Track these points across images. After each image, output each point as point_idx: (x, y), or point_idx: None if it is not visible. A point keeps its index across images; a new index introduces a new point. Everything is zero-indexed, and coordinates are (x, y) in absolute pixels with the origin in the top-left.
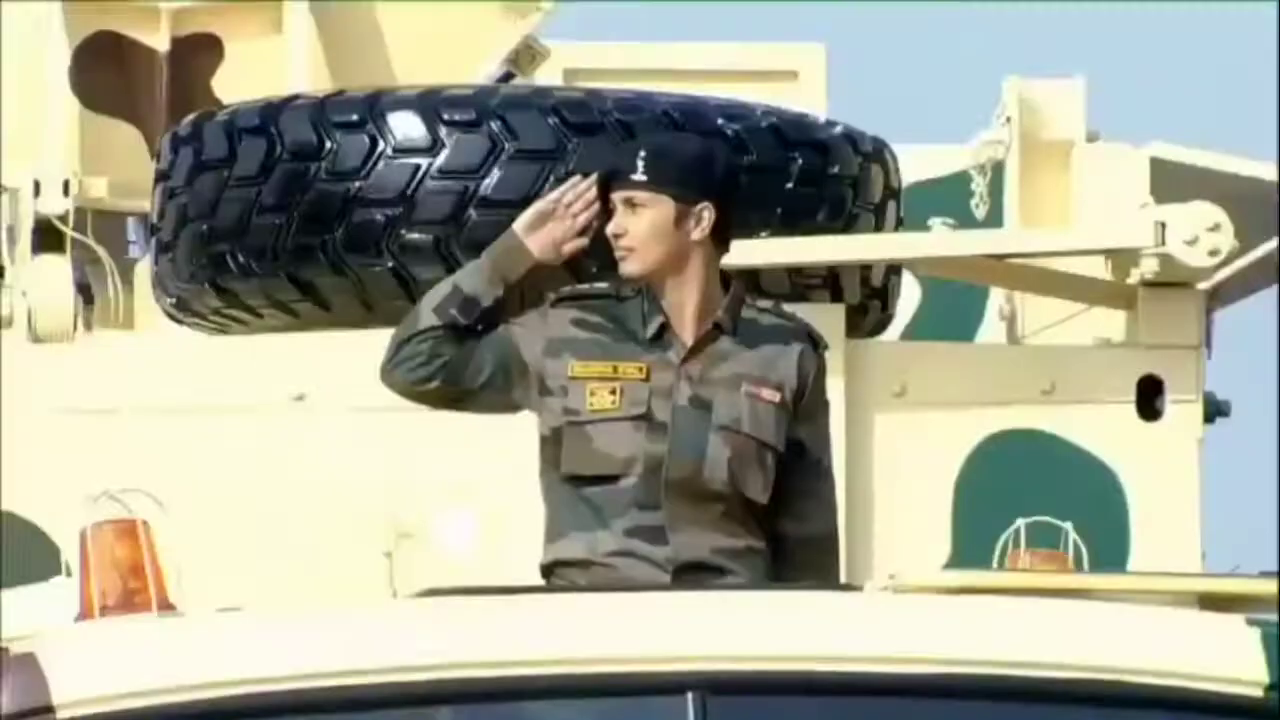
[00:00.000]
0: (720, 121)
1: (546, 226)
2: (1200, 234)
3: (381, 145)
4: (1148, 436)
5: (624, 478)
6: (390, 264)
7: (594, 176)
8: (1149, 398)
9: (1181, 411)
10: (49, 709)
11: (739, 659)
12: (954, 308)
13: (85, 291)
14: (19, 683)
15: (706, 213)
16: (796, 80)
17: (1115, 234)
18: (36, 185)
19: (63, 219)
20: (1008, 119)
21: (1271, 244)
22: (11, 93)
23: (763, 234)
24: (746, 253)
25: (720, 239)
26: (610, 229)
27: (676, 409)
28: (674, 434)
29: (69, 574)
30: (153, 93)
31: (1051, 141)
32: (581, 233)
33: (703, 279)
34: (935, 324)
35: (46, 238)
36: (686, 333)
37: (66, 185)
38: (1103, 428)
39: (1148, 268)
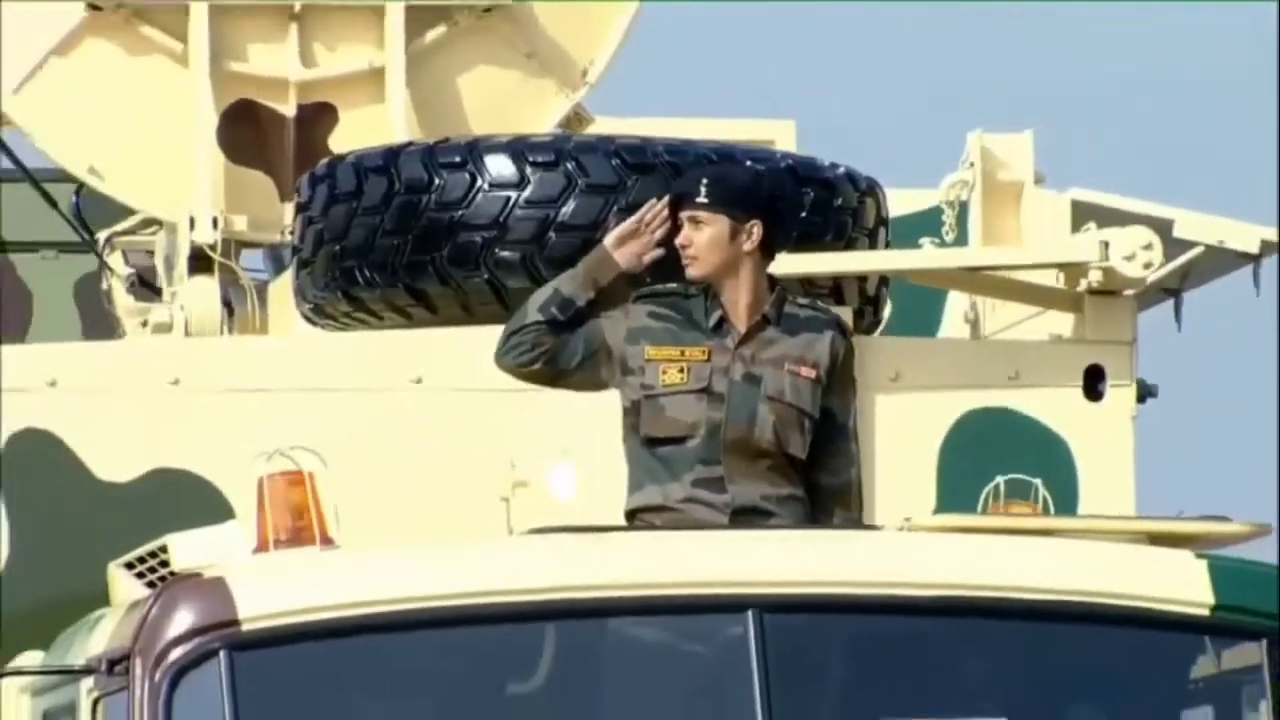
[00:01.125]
0: (748, 163)
1: (630, 242)
2: (1136, 251)
3: (479, 181)
4: (1092, 414)
5: (690, 439)
6: (486, 276)
7: (666, 200)
8: (1093, 383)
9: (1118, 394)
10: (236, 622)
11: (788, 584)
12: (917, 313)
13: (228, 306)
14: (211, 602)
15: (755, 228)
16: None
17: (1067, 250)
18: (191, 221)
19: (212, 248)
20: (971, 164)
21: (1184, 259)
22: (164, 149)
23: (782, 252)
24: (771, 267)
25: (766, 249)
26: (679, 241)
27: (732, 383)
28: (730, 403)
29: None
30: (282, 148)
31: (1006, 183)
32: (658, 246)
33: (753, 281)
34: (903, 326)
35: (199, 263)
36: (740, 323)
37: (215, 221)
38: (1056, 406)
39: (1093, 278)
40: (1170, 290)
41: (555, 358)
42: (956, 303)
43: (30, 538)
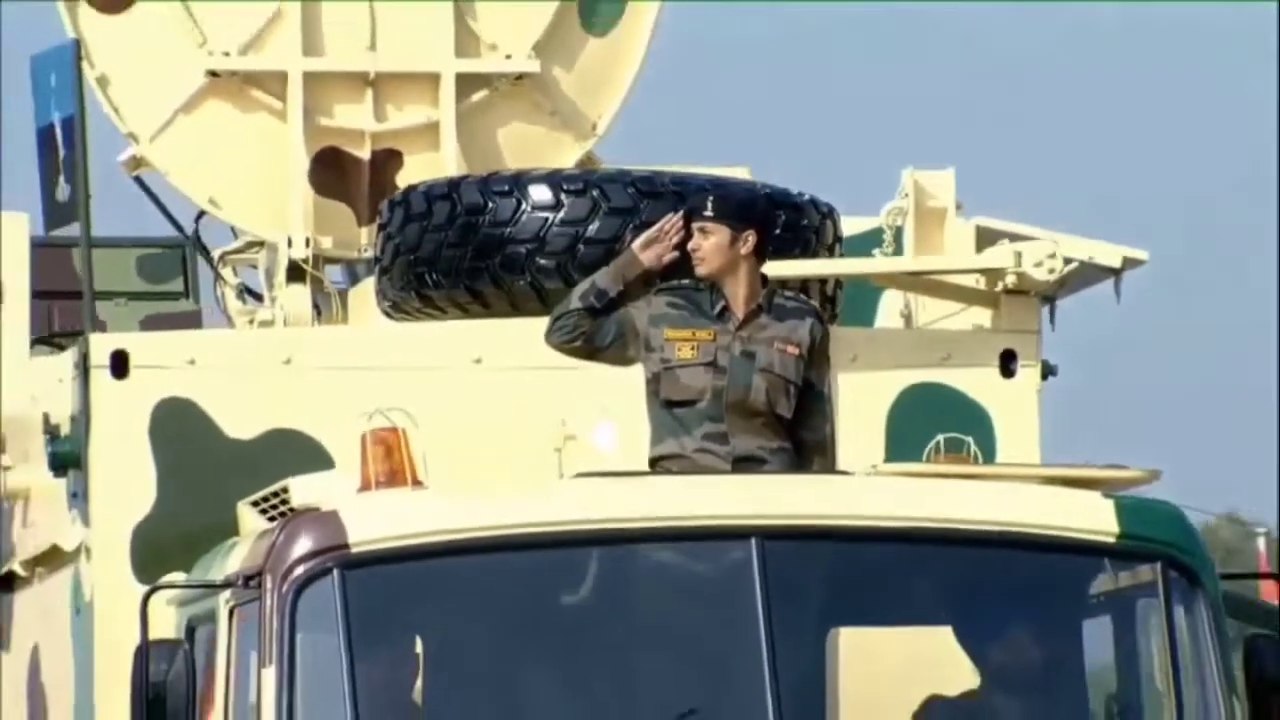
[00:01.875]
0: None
1: (653, 246)
2: (1043, 259)
3: (524, 205)
4: (1006, 388)
5: (699, 402)
6: (529, 280)
7: (680, 214)
8: (1007, 363)
9: (1027, 372)
10: (347, 546)
11: (783, 516)
12: (856, 309)
13: (316, 308)
14: (327, 530)
15: (750, 236)
16: None
17: (989, 259)
18: (289, 241)
19: (304, 262)
20: (905, 195)
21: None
22: (267, 185)
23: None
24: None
25: (759, 253)
26: (690, 246)
27: (732, 358)
28: (731, 374)
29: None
30: (359, 185)
31: (933, 209)
32: (674, 250)
33: (749, 278)
34: (845, 319)
35: (294, 274)
36: (739, 311)
37: (307, 241)
38: (978, 382)
39: (1008, 281)
40: (1048, 297)
41: (592, 338)
42: (889, 301)
43: (173, 483)
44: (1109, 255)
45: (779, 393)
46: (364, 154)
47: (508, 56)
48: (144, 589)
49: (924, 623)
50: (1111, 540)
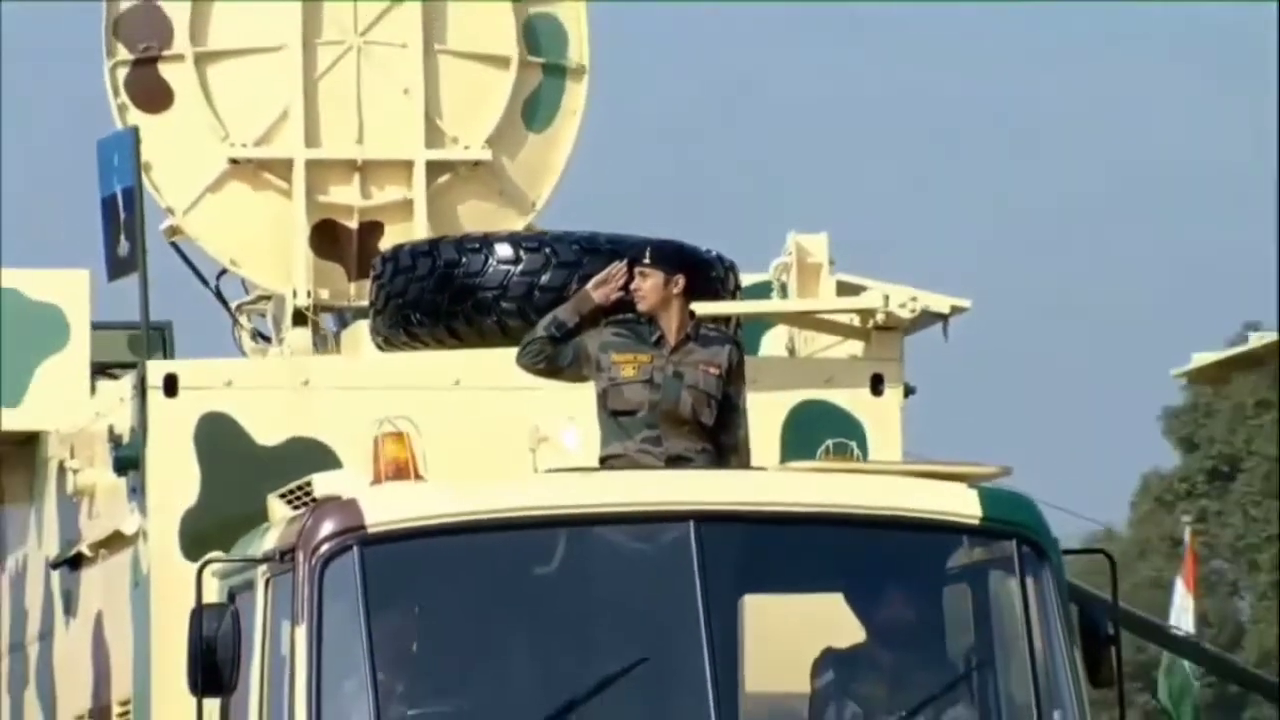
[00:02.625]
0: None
1: (603, 287)
2: (906, 302)
3: (491, 260)
4: (876, 405)
5: (639, 412)
6: (495, 319)
7: (624, 261)
8: (876, 385)
9: (892, 392)
10: (364, 527)
11: (715, 503)
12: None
13: (315, 347)
14: (348, 514)
15: (680, 280)
16: None
17: (864, 300)
18: (294, 292)
19: (307, 309)
20: (790, 253)
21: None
22: (276, 249)
23: None
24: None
25: (687, 293)
26: (632, 287)
27: (666, 377)
28: (664, 390)
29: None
30: (349, 249)
31: (811, 264)
32: (620, 289)
33: (679, 313)
34: None
35: (297, 319)
36: (671, 339)
37: (309, 293)
38: (854, 400)
39: (878, 319)
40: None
41: (554, 360)
42: (772, 337)
43: (213, 480)
44: (939, 304)
45: (703, 405)
46: (353, 224)
47: (466, 148)
48: (191, 566)
49: (824, 589)
50: (975, 522)
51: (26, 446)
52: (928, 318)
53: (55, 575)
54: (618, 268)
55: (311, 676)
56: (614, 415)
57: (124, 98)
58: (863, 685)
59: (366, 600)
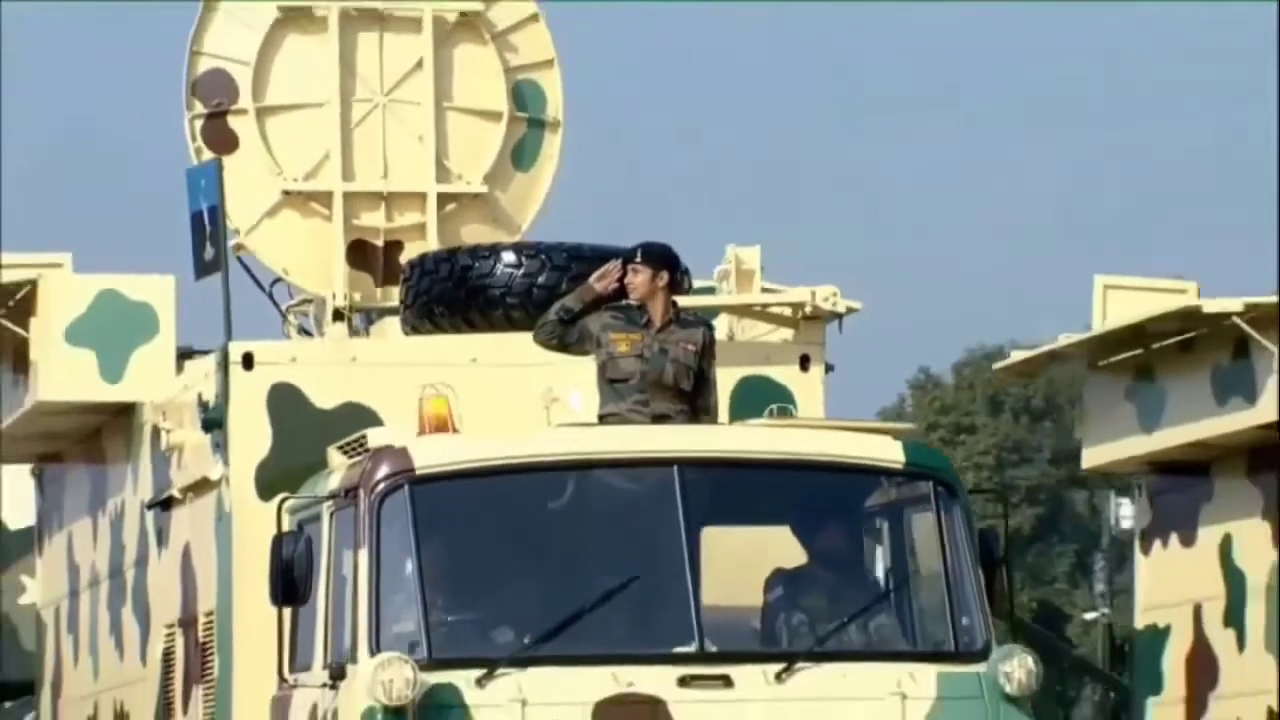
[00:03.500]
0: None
1: (602, 280)
2: (830, 297)
3: (498, 265)
4: (804, 379)
5: (631, 380)
6: (502, 312)
7: (619, 260)
8: (805, 364)
9: (816, 370)
10: (413, 469)
11: (694, 451)
12: None
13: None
14: (400, 459)
15: (664, 274)
16: None
17: (793, 295)
18: (334, 295)
19: (343, 309)
20: (729, 262)
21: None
22: (319, 261)
23: None
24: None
25: (670, 287)
26: (626, 280)
27: (653, 353)
28: (651, 362)
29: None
30: (377, 262)
31: (748, 271)
32: (616, 282)
33: (664, 301)
34: None
35: (336, 317)
36: (658, 322)
37: (345, 296)
38: (787, 375)
39: (806, 310)
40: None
41: (564, 338)
42: (718, 325)
43: (282, 436)
44: (839, 304)
45: (683, 375)
46: (379, 243)
47: (468, 183)
48: (264, 505)
49: (777, 522)
50: (900, 466)
51: (123, 415)
52: (831, 315)
53: (149, 515)
54: (615, 265)
55: (371, 591)
56: (611, 382)
57: (199, 143)
58: (807, 598)
59: (416, 528)
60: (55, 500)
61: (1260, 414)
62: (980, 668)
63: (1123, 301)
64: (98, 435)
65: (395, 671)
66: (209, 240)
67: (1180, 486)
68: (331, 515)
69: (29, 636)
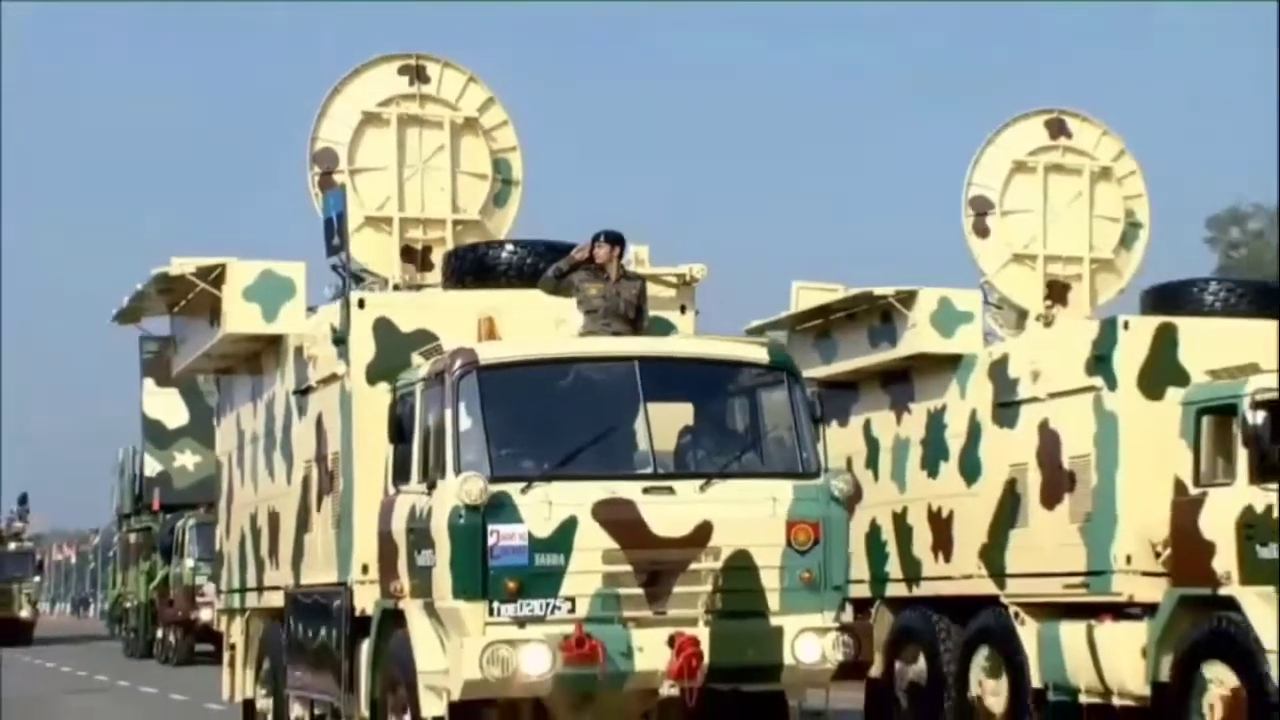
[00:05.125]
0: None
1: (582, 251)
2: (697, 271)
3: (503, 252)
4: (684, 320)
5: (598, 311)
6: (505, 281)
7: (591, 239)
8: (683, 310)
9: (691, 314)
10: (478, 361)
11: (647, 352)
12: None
13: None
14: (469, 356)
15: (618, 248)
16: None
17: (680, 270)
18: (392, 276)
19: (396, 286)
20: (634, 253)
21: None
22: (384, 260)
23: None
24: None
25: (620, 255)
26: (594, 250)
27: (611, 295)
28: (610, 300)
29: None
30: (417, 259)
31: (640, 259)
32: (588, 253)
33: (618, 265)
34: None
35: (395, 289)
36: (614, 277)
37: (402, 276)
38: (675, 317)
39: (686, 278)
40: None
41: (556, 288)
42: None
43: (381, 349)
44: (701, 275)
45: (630, 307)
46: (419, 248)
47: (470, 214)
48: (372, 389)
49: (689, 399)
50: (766, 362)
51: (274, 343)
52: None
53: (293, 399)
54: (587, 243)
55: (454, 435)
56: (587, 313)
57: (316, 189)
58: (704, 441)
59: (481, 400)
60: (228, 394)
61: (895, 353)
62: (819, 481)
63: (806, 296)
64: (257, 356)
65: (473, 483)
66: (336, 234)
67: (842, 395)
68: (423, 391)
69: (183, 480)
